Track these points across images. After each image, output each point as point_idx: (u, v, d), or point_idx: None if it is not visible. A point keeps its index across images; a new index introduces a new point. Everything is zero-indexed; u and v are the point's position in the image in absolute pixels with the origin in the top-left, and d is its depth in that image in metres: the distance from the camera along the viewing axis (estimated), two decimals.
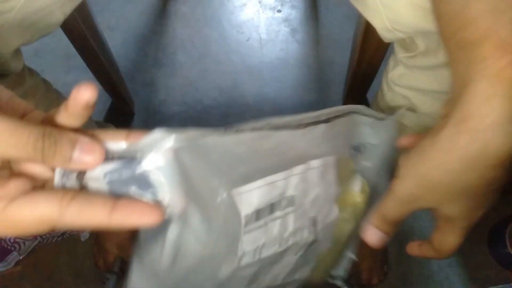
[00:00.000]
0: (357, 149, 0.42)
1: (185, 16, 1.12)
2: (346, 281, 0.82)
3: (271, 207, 0.35)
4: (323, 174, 0.37)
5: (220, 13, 1.13)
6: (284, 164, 0.34)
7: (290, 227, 0.38)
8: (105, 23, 1.10)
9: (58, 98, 0.55)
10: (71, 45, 0.77)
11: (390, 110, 0.54)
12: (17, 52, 0.43)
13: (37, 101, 0.50)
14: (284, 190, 0.35)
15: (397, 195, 0.31)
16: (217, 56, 1.06)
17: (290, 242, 0.39)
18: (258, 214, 0.34)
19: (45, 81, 0.53)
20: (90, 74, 0.88)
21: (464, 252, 0.86)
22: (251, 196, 0.33)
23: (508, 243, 0.81)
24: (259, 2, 1.14)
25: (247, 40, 1.08)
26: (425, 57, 0.42)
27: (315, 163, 0.37)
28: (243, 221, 0.34)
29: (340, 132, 0.38)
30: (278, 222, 0.36)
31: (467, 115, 0.25)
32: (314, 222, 0.40)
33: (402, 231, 0.88)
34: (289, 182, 0.35)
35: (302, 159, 0.36)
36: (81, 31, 0.71)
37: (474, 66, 0.25)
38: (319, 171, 0.37)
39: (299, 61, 1.06)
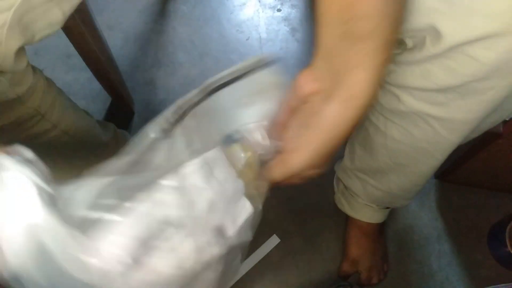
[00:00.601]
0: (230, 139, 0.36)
1: (184, 15, 1.12)
2: (346, 280, 0.82)
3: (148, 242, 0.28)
4: (209, 173, 0.32)
5: (219, 12, 1.12)
6: (149, 185, 0.29)
7: (186, 252, 0.31)
8: (105, 23, 1.10)
9: (60, 96, 0.55)
10: (70, 45, 0.77)
11: (382, 109, 0.55)
12: (21, 51, 0.44)
13: (40, 100, 0.51)
14: (163, 214, 0.28)
15: (292, 166, 0.35)
16: (217, 55, 1.06)
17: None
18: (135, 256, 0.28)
19: (47, 80, 0.53)
20: (90, 74, 0.88)
21: (464, 252, 0.86)
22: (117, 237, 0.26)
23: (508, 243, 0.81)
24: (259, 1, 1.14)
25: (247, 39, 1.08)
26: (411, 52, 0.44)
27: (190, 168, 0.31)
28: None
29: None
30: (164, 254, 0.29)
31: (353, 95, 0.32)
32: (219, 231, 0.33)
33: (402, 231, 0.88)
34: (164, 202, 0.28)
35: (170, 170, 0.30)
36: (80, 31, 0.71)
37: (358, 58, 0.32)
38: (201, 173, 0.31)
39: (299, 60, 1.05)
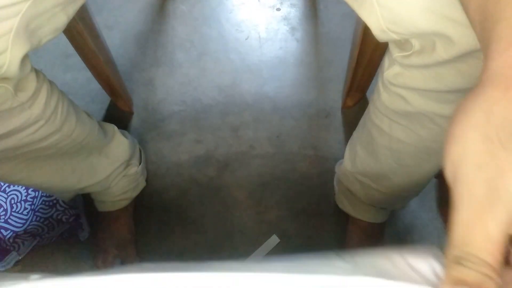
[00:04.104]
0: None
1: (184, 14, 1.12)
2: None
3: None
4: None
5: (219, 12, 1.12)
6: None
7: None
8: (104, 22, 1.09)
9: (62, 99, 0.55)
10: (69, 44, 0.77)
11: (386, 111, 0.54)
12: (25, 56, 0.43)
13: (44, 105, 0.50)
14: None
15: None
16: (216, 55, 1.06)
17: None
18: None
19: (51, 83, 0.53)
20: (89, 73, 0.87)
21: None
22: None
23: None
24: (258, 1, 1.14)
25: (246, 38, 1.08)
26: (420, 56, 0.42)
27: None
28: None
29: None
30: None
31: None
32: None
33: (402, 231, 0.88)
34: None
35: None
36: (79, 30, 0.71)
37: None
38: None
39: (299, 59, 1.05)
